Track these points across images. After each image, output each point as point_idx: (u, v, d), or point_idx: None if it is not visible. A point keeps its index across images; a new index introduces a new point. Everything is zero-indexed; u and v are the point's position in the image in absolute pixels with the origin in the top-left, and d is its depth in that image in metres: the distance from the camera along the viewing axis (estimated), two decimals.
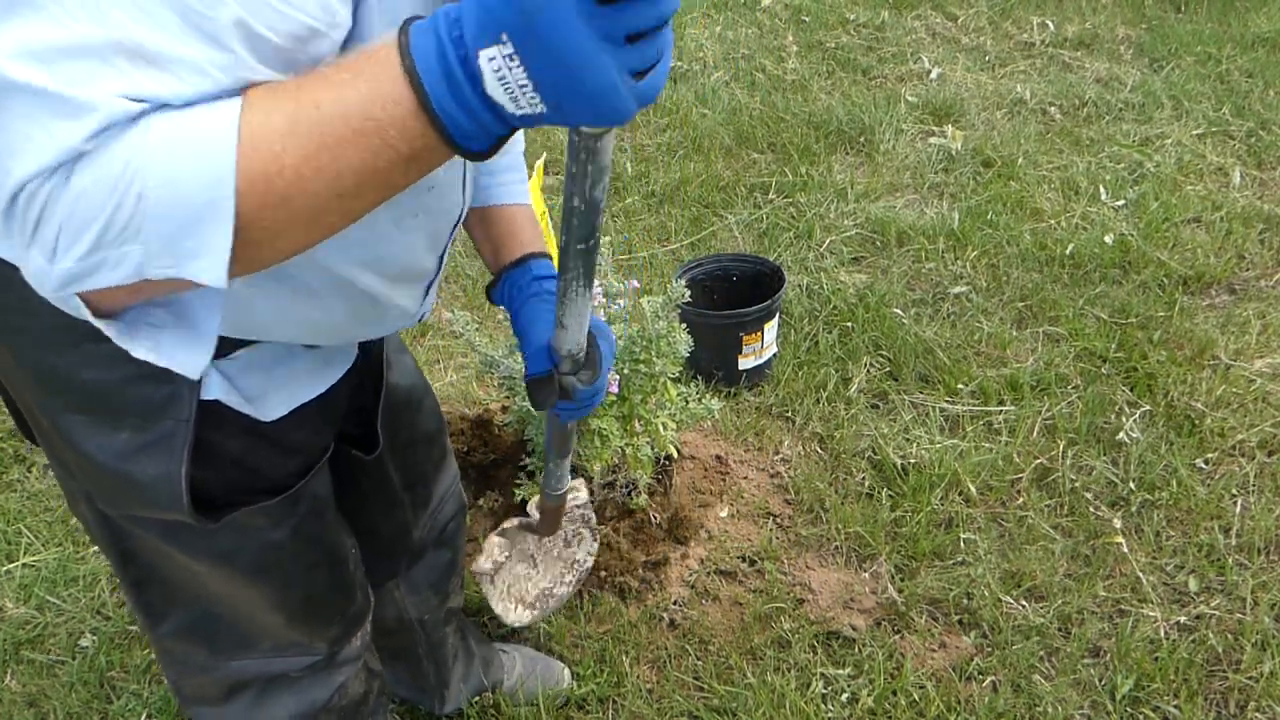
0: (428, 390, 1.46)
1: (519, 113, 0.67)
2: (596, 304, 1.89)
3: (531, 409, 1.23)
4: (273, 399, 1.04)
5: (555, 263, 1.09)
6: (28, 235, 0.67)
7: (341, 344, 1.11)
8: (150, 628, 1.20)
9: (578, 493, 1.72)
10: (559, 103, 0.66)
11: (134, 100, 0.65)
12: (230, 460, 1.04)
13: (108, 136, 0.65)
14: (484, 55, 0.64)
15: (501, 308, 1.25)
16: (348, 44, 0.74)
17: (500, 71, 0.64)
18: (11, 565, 2.19)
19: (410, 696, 1.81)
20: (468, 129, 0.67)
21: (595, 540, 1.82)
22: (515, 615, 1.73)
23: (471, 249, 3.22)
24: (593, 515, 1.78)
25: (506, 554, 1.71)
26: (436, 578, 1.57)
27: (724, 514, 2.20)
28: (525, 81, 0.65)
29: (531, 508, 1.69)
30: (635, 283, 1.96)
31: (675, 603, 2.01)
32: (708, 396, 2.22)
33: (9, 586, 2.15)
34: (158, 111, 0.67)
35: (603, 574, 2.04)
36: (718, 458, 2.32)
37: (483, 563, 1.67)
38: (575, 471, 1.80)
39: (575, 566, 1.81)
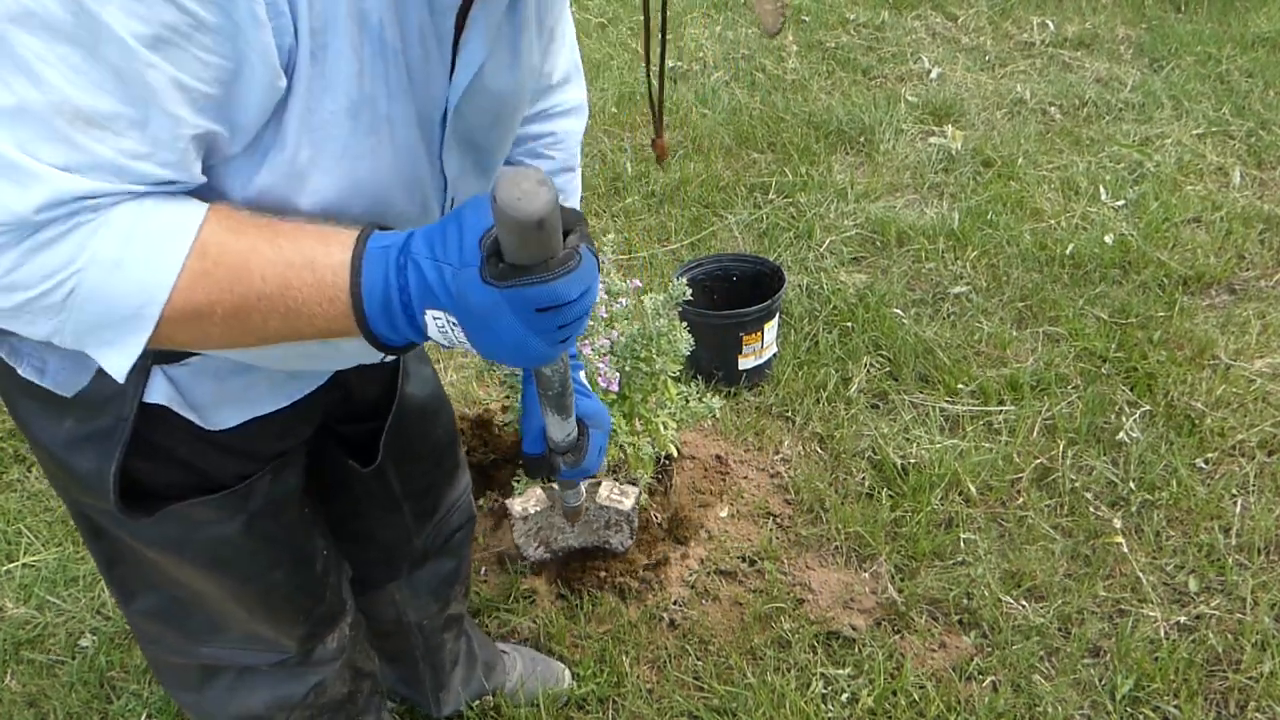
0: (444, 402, 1.44)
1: (451, 347, 0.80)
2: (598, 302, 1.89)
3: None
4: (223, 410, 1.02)
5: None
6: None
7: (293, 371, 1.07)
8: (123, 604, 1.20)
9: (625, 500, 1.92)
10: (493, 358, 0.79)
11: (74, 171, 0.68)
12: (176, 460, 1.03)
13: (60, 221, 0.69)
14: (429, 314, 0.77)
15: None
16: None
17: (442, 326, 0.77)
18: (11, 565, 2.19)
19: (409, 696, 1.81)
20: (393, 342, 0.80)
21: (631, 538, 2.01)
22: (534, 552, 1.98)
23: None
24: (636, 520, 1.97)
25: (540, 508, 1.91)
26: (437, 585, 1.57)
27: (724, 514, 2.20)
28: (464, 339, 0.77)
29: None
30: (636, 282, 1.96)
31: (675, 603, 2.01)
32: (708, 395, 2.21)
33: (9, 586, 2.14)
34: (117, 207, 0.71)
35: (603, 575, 2.03)
36: (718, 458, 2.32)
37: (517, 507, 1.89)
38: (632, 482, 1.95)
39: (604, 546, 2.02)
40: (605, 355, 1.88)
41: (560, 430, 1.14)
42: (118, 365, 0.76)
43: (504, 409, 2.31)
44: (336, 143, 0.80)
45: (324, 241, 0.77)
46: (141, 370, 0.95)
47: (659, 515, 2.14)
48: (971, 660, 1.88)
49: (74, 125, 0.67)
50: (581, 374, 1.31)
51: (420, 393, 1.36)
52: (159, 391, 0.97)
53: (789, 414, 2.48)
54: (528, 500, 1.87)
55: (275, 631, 1.24)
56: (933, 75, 4.16)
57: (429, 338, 0.79)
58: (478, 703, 1.83)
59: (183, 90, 0.70)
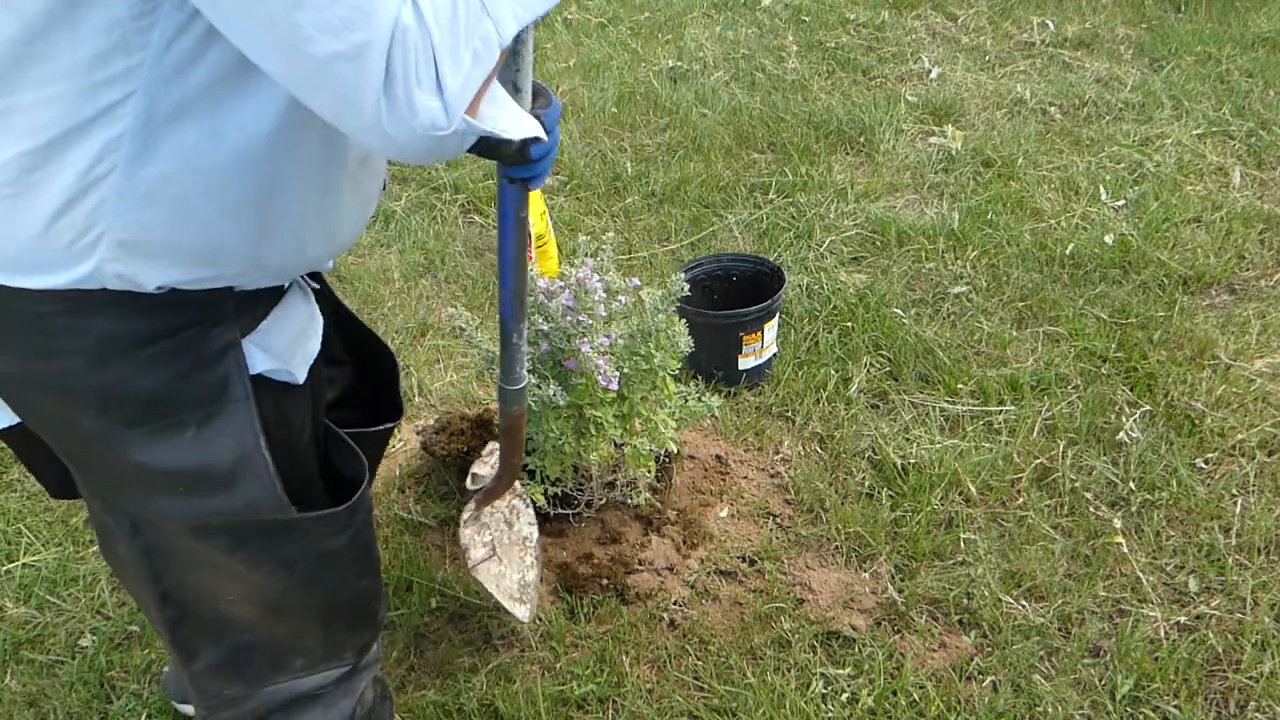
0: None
1: None
2: (598, 299, 1.89)
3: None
4: (297, 356, 1.10)
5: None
6: (412, 74, 0.75)
7: (347, 243, 1.14)
8: (186, 665, 1.22)
9: (485, 467, 1.89)
10: None
11: None
12: (290, 447, 1.10)
13: None
14: None
15: None
16: None
17: None
18: (11, 565, 2.19)
19: None
20: None
21: (529, 506, 1.94)
22: (521, 611, 1.80)
23: (470, 250, 3.22)
24: (517, 485, 1.88)
25: (486, 542, 1.83)
26: None
27: (724, 514, 2.20)
28: None
29: (472, 478, 1.88)
30: (635, 281, 1.96)
31: (675, 603, 2.01)
32: (707, 395, 2.21)
33: (9, 586, 2.14)
34: None
35: (604, 581, 2.03)
36: (718, 457, 2.32)
37: (475, 554, 1.78)
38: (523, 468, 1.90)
39: (527, 544, 1.90)
40: (605, 354, 1.88)
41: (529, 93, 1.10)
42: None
43: None
44: None
45: None
46: (236, 345, 1.02)
47: (664, 513, 2.14)
48: (971, 660, 1.88)
49: None
50: None
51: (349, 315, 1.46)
52: (258, 360, 1.04)
53: (789, 414, 2.48)
54: (473, 543, 1.82)
55: (346, 644, 1.28)
56: (933, 75, 4.16)
57: None
58: (475, 703, 1.83)
59: None
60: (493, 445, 1.92)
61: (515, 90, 1.05)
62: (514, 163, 1.08)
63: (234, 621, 1.18)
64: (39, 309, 0.93)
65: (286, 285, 1.10)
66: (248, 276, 1.00)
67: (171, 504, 1.06)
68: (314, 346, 1.13)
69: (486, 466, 1.93)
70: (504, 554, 1.84)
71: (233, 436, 1.02)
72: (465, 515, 1.85)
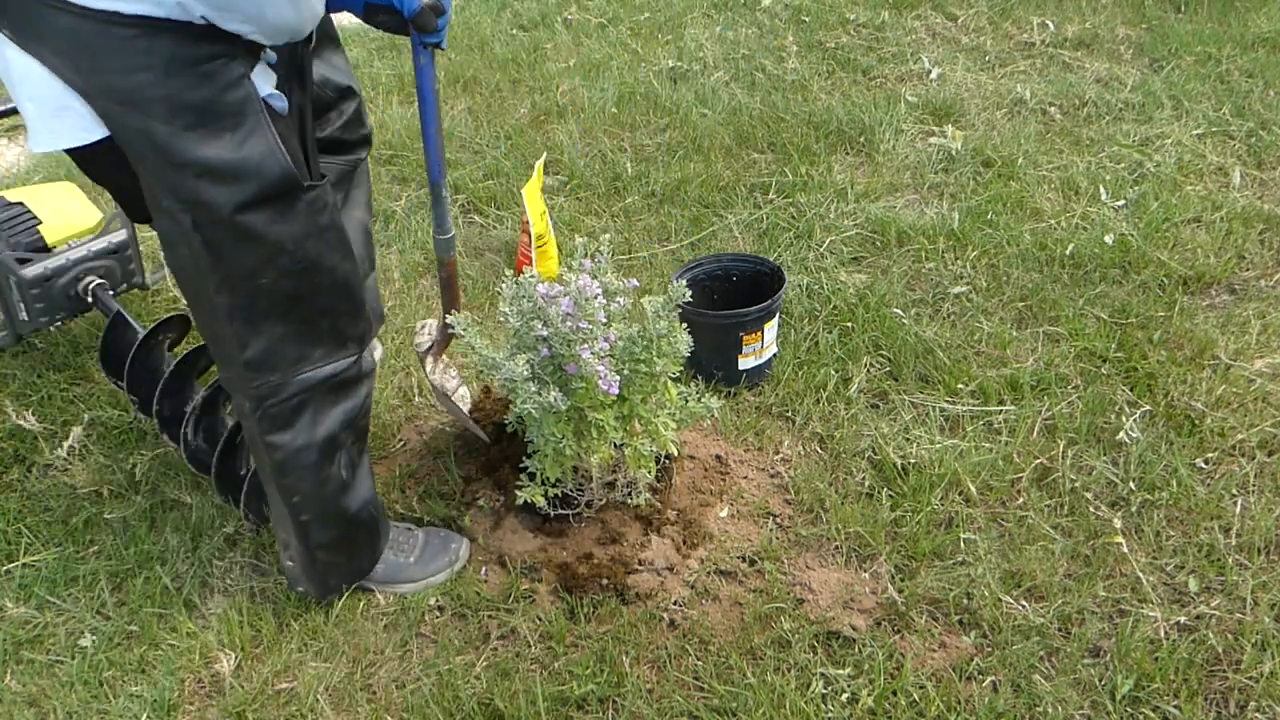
0: None
1: None
2: (598, 305, 1.88)
3: (424, 44, 1.72)
4: (279, 93, 1.50)
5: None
6: None
7: (317, 15, 1.53)
8: (240, 353, 1.62)
9: (424, 336, 2.27)
10: None
11: None
12: (291, 155, 1.51)
13: None
14: None
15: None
16: None
17: None
18: (11, 565, 2.19)
19: None
20: None
21: (456, 370, 2.34)
22: (482, 434, 2.27)
23: (470, 250, 3.22)
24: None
25: (453, 376, 2.29)
26: None
27: (724, 514, 2.20)
28: None
29: (423, 334, 2.26)
30: (635, 281, 1.95)
31: (675, 603, 2.01)
32: (707, 395, 2.21)
33: (9, 586, 2.15)
34: None
35: (604, 581, 2.03)
36: (718, 458, 2.32)
37: (450, 385, 2.24)
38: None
39: (460, 388, 2.32)
40: (605, 358, 1.88)
41: None
42: None
43: (504, 408, 2.31)
44: None
45: None
46: (248, 76, 1.44)
47: (664, 513, 2.14)
48: (971, 660, 1.88)
49: None
50: None
51: None
52: (263, 88, 1.46)
53: (789, 414, 2.48)
54: (423, 331, 2.26)
55: (349, 329, 1.73)
56: (933, 75, 4.16)
57: None
58: (473, 696, 1.83)
59: None
60: (422, 322, 2.34)
61: None
62: (425, 29, 1.64)
63: (270, 309, 1.59)
64: (124, 33, 1.30)
65: (261, 54, 1.47)
66: (251, 25, 1.38)
67: (222, 192, 1.45)
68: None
69: (424, 334, 2.29)
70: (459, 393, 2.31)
71: (258, 137, 1.45)
72: (427, 368, 2.24)
